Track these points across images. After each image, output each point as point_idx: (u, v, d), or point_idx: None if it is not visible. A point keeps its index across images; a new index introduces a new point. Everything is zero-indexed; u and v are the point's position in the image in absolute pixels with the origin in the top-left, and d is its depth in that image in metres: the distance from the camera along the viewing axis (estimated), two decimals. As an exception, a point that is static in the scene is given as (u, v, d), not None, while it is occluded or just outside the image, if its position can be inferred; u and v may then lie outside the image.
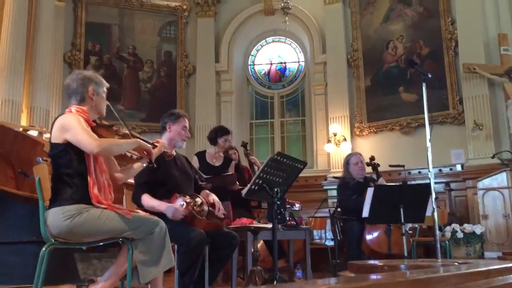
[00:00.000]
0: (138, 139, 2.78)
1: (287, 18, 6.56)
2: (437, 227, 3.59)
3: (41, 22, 8.19)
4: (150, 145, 2.80)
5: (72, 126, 2.50)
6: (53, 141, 2.58)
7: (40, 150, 3.79)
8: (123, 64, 9.47)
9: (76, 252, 4.00)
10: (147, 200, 3.22)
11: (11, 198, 3.65)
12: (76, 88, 2.68)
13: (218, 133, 4.62)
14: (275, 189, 3.10)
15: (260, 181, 3.06)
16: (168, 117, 3.47)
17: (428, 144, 3.79)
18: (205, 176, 3.82)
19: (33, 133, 4.26)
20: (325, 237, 6.88)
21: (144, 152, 2.77)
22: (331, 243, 6.82)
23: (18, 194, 3.64)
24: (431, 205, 3.72)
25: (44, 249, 2.48)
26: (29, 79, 7.89)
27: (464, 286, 1.51)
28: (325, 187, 8.53)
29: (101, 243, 2.65)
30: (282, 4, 6.11)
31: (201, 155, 4.66)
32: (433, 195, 3.71)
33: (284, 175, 3.20)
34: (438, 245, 3.56)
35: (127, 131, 2.94)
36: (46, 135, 4.74)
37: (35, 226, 3.75)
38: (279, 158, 3.11)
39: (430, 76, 3.93)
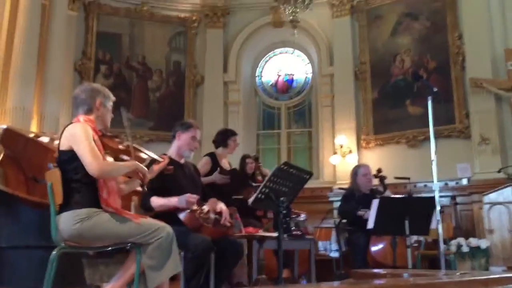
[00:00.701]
0: (137, 162, 2.80)
1: (296, 31, 6.63)
2: (441, 240, 3.61)
3: (53, 31, 8.32)
4: (145, 168, 2.82)
5: (79, 139, 2.58)
6: (61, 148, 2.65)
7: (51, 156, 3.85)
8: (132, 73, 9.58)
9: (83, 257, 4.05)
10: (156, 200, 3.27)
11: (22, 202, 3.71)
12: (84, 99, 2.78)
13: (227, 134, 4.63)
14: (281, 199, 3.14)
15: (267, 190, 3.11)
16: (180, 126, 3.54)
17: (433, 157, 3.82)
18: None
19: (44, 139, 4.34)
20: (330, 248, 6.88)
21: (140, 174, 2.79)
22: (336, 254, 6.83)
23: (29, 199, 3.71)
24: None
25: (54, 252, 2.53)
26: (40, 86, 8.00)
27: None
28: (330, 199, 8.55)
29: (110, 248, 2.70)
30: (291, 17, 6.19)
31: (213, 156, 4.65)
32: (438, 208, 3.74)
33: (290, 185, 3.24)
34: (443, 257, 3.58)
35: (130, 143, 2.99)
36: (57, 142, 4.83)
37: (44, 231, 3.82)
38: (285, 168, 3.17)
39: (435, 90, 3.97)
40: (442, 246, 3.58)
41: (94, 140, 2.63)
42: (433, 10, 8.64)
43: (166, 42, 9.92)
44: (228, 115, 9.72)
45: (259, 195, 3.11)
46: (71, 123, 2.75)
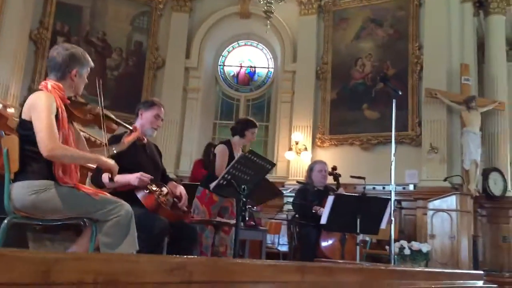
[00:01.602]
0: (99, 157, 2.65)
1: (268, 22, 6.62)
2: (392, 240, 3.72)
3: (11, -4, 7.95)
4: (112, 162, 2.65)
5: (39, 112, 2.42)
6: (23, 117, 2.51)
7: (3, 123, 3.67)
8: (91, 49, 9.25)
9: (28, 230, 3.88)
10: (107, 177, 3.17)
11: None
12: (60, 64, 2.60)
13: (248, 125, 4.50)
14: (243, 186, 3.13)
15: (229, 177, 3.09)
16: (143, 104, 3.46)
17: (392, 158, 3.91)
18: None
19: (-4, 106, 4.14)
20: (278, 242, 6.96)
21: (107, 169, 2.64)
22: (284, 248, 6.92)
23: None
24: (389, 217, 3.85)
25: (5, 221, 2.41)
26: (-8, 52, 7.63)
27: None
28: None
29: (64, 222, 2.60)
30: (265, 8, 6.16)
31: (229, 145, 4.49)
32: (392, 209, 3.85)
33: (252, 173, 3.24)
34: (393, 255, 3.69)
35: (100, 111, 2.87)
36: (10, 110, 4.61)
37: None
38: (250, 156, 3.16)
39: (400, 93, 4.08)
40: (393, 246, 3.69)
41: (59, 112, 2.49)
42: (397, 19, 8.87)
43: (129, 20, 9.67)
44: (186, 101, 9.61)
45: (221, 181, 3.09)
46: (37, 89, 2.60)
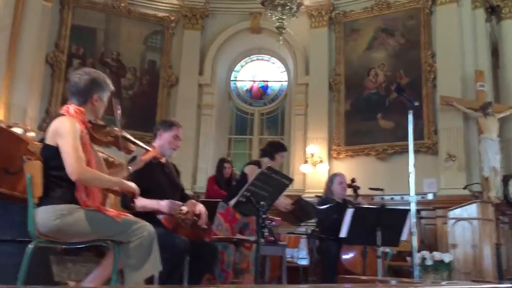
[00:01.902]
0: (122, 180, 2.70)
1: (281, 38, 6.66)
2: (416, 250, 3.68)
3: (27, 20, 8.10)
4: (133, 185, 2.71)
5: (65, 136, 2.48)
6: (47, 141, 2.56)
7: (24, 148, 3.73)
8: (106, 69, 9.37)
9: (51, 254, 3.93)
10: (137, 201, 3.20)
11: (-11, 195, 3.57)
12: (81, 89, 2.66)
13: (278, 149, 4.53)
14: (261, 203, 3.14)
15: (248, 194, 3.10)
16: (161, 124, 3.49)
17: (411, 169, 3.88)
18: None
19: (17, 130, 4.21)
20: (297, 256, 6.92)
21: (129, 192, 2.70)
22: (303, 262, 6.88)
23: (-3, 191, 3.57)
24: (410, 229, 3.82)
25: (31, 246, 2.45)
26: (10, 76, 7.76)
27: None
28: (299, 207, 8.59)
29: (88, 244, 2.64)
30: (277, 24, 6.21)
31: (259, 166, 4.51)
32: (413, 220, 3.82)
33: (271, 190, 3.25)
34: (416, 268, 3.65)
35: (118, 133, 2.91)
36: (30, 133, 4.69)
37: (12, 224, 3.69)
38: (268, 172, 3.17)
39: (416, 104, 4.07)
40: (416, 257, 3.65)
41: (82, 136, 2.55)
42: (408, 28, 8.86)
43: (142, 40, 9.80)
44: (201, 117, 9.67)
45: (241, 198, 3.10)
46: (60, 115, 2.65)
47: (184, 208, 3.30)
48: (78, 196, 2.50)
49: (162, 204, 3.12)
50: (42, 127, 8.42)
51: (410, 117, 4.01)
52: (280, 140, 5.06)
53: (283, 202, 4.35)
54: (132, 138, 2.92)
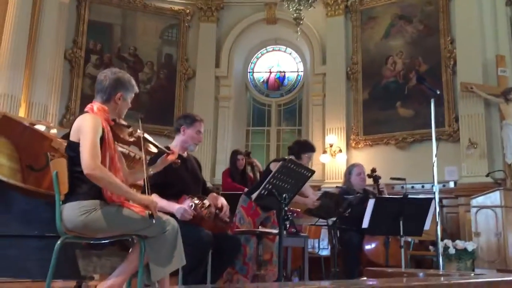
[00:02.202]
0: (135, 195, 2.64)
1: (299, 29, 6.61)
2: (439, 240, 3.66)
3: (44, 18, 8.18)
4: (148, 201, 2.63)
5: (86, 132, 2.52)
6: (71, 138, 2.61)
7: (48, 144, 3.77)
8: (123, 64, 9.44)
9: (77, 248, 3.99)
10: (156, 200, 3.24)
11: (16, 191, 3.63)
12: (106, 87, 2.71)
13: (305, 149, 4.45)
14: (284, 195, 3.14)
15: (270, 187, 3.11)
16: (184, 119, 3.51)
17: (434, 159, 3.85)
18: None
19: (40, 127, 4.26)
20: (319, 246, 6.92)
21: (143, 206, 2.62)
22: (325, 252, 6.88)
23: (24, 187, 3.62)
24: (435, 218, 3.78)
25: (59, 242, 2.49)
26: (29, 74, 7.88)
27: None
28: (319, 197, 8.58)
29: (113, 239, 2.67)
30: (294, 15, 6.16)
31: None
32: (437, 210, 3.78)
33: (293, 182, 3.25)
34: (440, 258, 3.62)
35: (141, 135, 2.92)
36: (53, 130, 4.74)
37: (38, 220, 3.76)
38: (290, 165, 3.17)
39: (438, 92, 4.01)
40: (440, 247, 3.62)
41: (105, 133, 2.58)
42: (426, 14, 8.72)
43: (158, 34, 9.82)
44: (218, 110, 9.68)
45: (263, 191, 3.11)
46: (84, 112, 2.70)
47: (206, 202, 3.32)
48: (104, 192, 2.53)
49: (176, 209, 3.15)
50: (63, 123, 8.53)
51: (432, 106, 3.95)
52: (309, 140, 4.96)
53: (312, 199, 4.35)
54: (152, 140, 2.94)
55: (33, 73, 7.93)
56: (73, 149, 2.58)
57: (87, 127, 2.54)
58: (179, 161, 2.99)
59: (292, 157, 4.36)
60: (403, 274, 1.79)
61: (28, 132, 3.67)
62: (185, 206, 3.18)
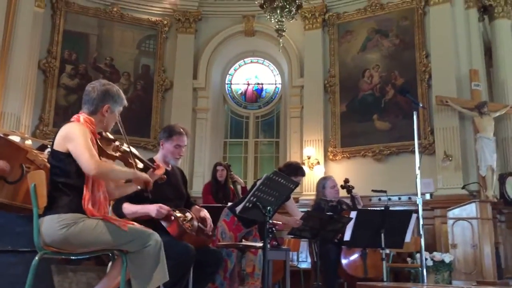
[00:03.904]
0: (135, 171, 2.71)
1: (281, 40, 6.63)
2: (423, 253, 3.67)
3: (18, 27, 8.01)
4: (146, 175, 2.74)
5: (76, 138, 2.47)
6: (55, 148, 2.52)
7: (23, 156, 3.66)
8: (99, 75, 9.30)
9: (52, 263, 3.86)
10: (128, 207, 3.17)
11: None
12: (94, 98, 2.65)
13: (295, 172, 4.39)
14: (268, 208, 3.10)
15: (254, 199, 3.07)
16: (163, 132, 3.45)
17: (418, 171, 3.89)
18: None
19: (15, 138, 4.13)
20: (297, 259, 6.89)
21: (142, 183, 2.72)
22: (304, 265, 6.85)
23: (-4, 201, 3.50)
24: (419, 230, 3.79)
25: (36, 258, 2.39)
26: (2, 84, 7.67)
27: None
28: (297, 210, 8.56)
29: (93, 254, 2.58)
30: (277, 27, 6.19)
31: None
32: (421, 221, 3.80)
33: (277, 194, 3.22)
34: (424, 270, 3.63)
35: (127, 149, 2.86)
36: (28, 142, 4.61)
37: (12, 234, 3.62)
38: (274, 177, 3.13)
39: (421, 105, 4.06)
40: (424, 259, 3.63)
41: (92, 144, 2.51)
42: (402, 28, 8.88)
43: (135, 44, 9.73)
44: (196, 121, 9.61)
45: (247, 204, 3.06)
46: (69, 121, 2.62)
47: (188, 215, 3.26)
48: (85, 205, 2.44)
49: (151, 209, 3.09)
50: (36, 134, 8.32)
51: (415, 118, 4.00)
52: (299, 164, 4.86)
53: (294, 219, 4.34)
54: (139, 155, 2.88)
55: (5, 83, 7.73)
56: (57, 158, 2.49)
57: (76, 134, 2.48)
58: (165, 177, 2.92)
59: None
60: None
61: (2, 143, 3.54)
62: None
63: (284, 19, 5.97)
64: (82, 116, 2.63)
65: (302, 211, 8.32)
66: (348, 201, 5.50)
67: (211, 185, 6.50)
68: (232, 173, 6.42)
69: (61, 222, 2.40)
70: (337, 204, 5.25)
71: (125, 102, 2.81)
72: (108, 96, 2.68)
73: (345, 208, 5.25)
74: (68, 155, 2.47)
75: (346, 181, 5.70)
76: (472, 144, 7.79)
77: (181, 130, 3.46)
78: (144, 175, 2.70)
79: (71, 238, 2.40)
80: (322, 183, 5.35)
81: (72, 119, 2.64)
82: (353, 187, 5.60)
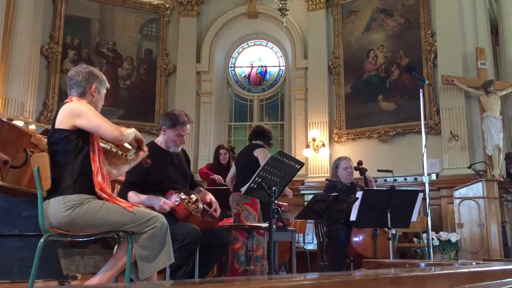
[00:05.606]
0: (135, 131, 2.75)
1: (284, 20, 6.54)
2: (430, 232, 3.65)
3: (20, 13, 7.99)
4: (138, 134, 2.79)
5: (86, 112, 2.49)
6: (58, 126, 2.50)
7: (27, 141, 3.66)
8: (102, 60, 9.29)
9: (59, 247, 3.88)
10: (134, 196, 3.17)
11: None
12: (80, 81, 2.66)
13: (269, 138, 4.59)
14: (273, 188, 3.08)
15: (259, 180, 3.04)
16: (166, 120, 3.41)
17: (424, 149, 3.85)
18: None
19: (19, 123, 4.13)
20: (304, 240, 6.90)
21: (139, 140, 2.77)
22: (310, 246, 6.86)
23: (2, 185, 3.51)
24: (425, 210, 3.77)
25: (42, 240, 2.39)
26: (5, 70, 7.68)
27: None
28: (302, 192, 8.56)
29: (99, 236, 2.58)
30: (280, 5, 6.10)
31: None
32: (428, 201, 3.77)
33: (282, 175, 3.19)
34: (431, 249, 3.62)
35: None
36: (32, 126, 4.60)
37: (18, 218, 3.63)
38: (279, 157, 3.11)
39: (427, 82, 4.00)
40: (430, 238, 3.61)
41: None
42: (407, 8, 8.75)
43: (137, 29, 9.66)
44: (200, 105, 9.58)
45: (252, 185, 3.04)
46: (66, 102, 2.61)
47: (193, 197, 3.25)
48: (95, 179, 2.45)
49: (155, 203, 3.09)
50: (40, 120, 8.32)
51: (421, 95, 3.94)
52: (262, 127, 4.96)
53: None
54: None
55: (8, 69, 7.73)
56: (59, 138, 2.48)
57: (84, 109, 2.51)
58: (150, 161, 2.87)
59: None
60: (405, 265, 1.76)
61: (6, 128, 3.54)
62: (172, 200, 3.10)
63: (287, -2, 5.89)
64: (74, 98, 2.64)
65: (305, 193, 8.37)
66: (361, 183, 5.45)
67: (211, 165, 6.48)
68: (236, 155, 6.38)
69: (66, 203, 2.40)
70: (351, 186, 5.18)
71: (108, 84, 2.84)
72: (93, 76, 2.70)
73: (358, 190, 5.20)
74: (73, 132, 2.47)
75: (360, 163, 5.61)
76: (479, 123, 7.72)
77: (185, 119, 3.40)
78: (139, 134, 2.75)
79: (77, 219, 2.40)
80: (336, 163, 5.27)
81: (65, 102, 2.64)
82: (366, 170, 5.53)
